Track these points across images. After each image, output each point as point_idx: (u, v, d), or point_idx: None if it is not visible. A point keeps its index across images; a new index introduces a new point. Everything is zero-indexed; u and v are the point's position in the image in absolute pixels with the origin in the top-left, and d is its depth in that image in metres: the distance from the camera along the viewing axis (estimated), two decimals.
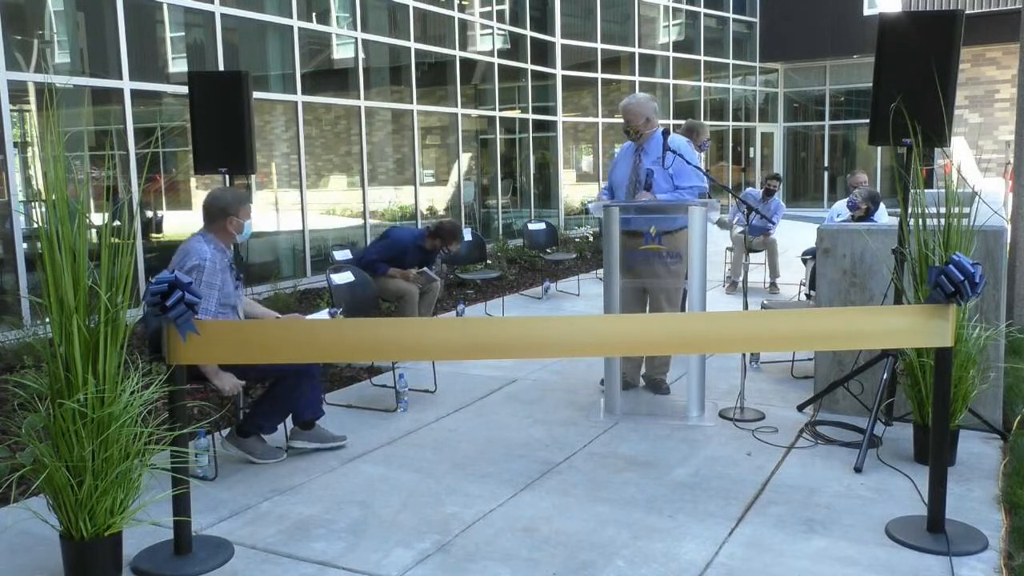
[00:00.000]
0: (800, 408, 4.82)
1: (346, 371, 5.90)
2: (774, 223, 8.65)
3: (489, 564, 3.10)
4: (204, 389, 4.05)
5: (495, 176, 13.37)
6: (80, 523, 2.83)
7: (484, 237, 10.74)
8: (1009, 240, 5.51)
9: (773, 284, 9.09)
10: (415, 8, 11.06)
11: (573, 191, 15.21)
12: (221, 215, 3.99)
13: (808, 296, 6.67)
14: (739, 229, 9.17)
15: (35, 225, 6.48)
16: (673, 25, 17.76)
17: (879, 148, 17.36)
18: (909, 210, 4.06)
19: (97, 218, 6.95)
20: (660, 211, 4.94)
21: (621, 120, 5.17)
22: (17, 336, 6.10)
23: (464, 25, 12.21)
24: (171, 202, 8.72)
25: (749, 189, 8.44)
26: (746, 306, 5.05)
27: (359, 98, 10.25)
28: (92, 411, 2.78)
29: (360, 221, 10.40)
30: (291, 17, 9.26)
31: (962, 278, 2.98)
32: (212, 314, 3.81)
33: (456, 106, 12.06)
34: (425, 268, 6.63)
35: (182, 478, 3.04)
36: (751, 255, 8.46)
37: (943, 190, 3.90)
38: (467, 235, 8.58)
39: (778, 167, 21.17)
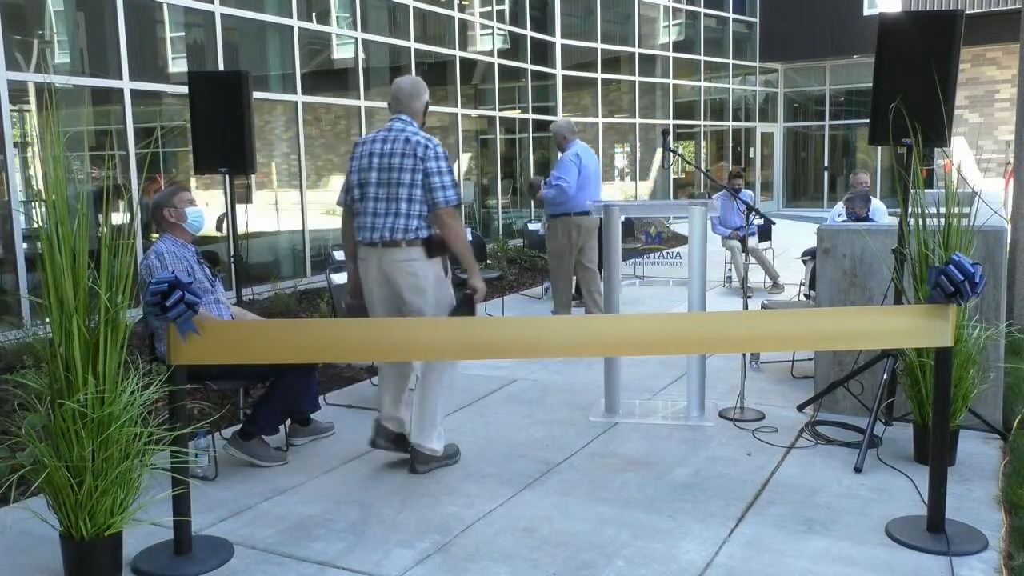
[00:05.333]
0: (800, 408, 4.82)
1: (346, 371, 5.90)
2: (771, 221, 8.63)
3: (489, 564, 3.10)
4: (204, 389, 4.05)
5: (495, 176, 13.37)
6: (80, 523, 2.83)
7: (484, 237, 10.74)
8: (1009, 240, 5.51)
9: (775, 284, 9.07)
10: (415, 8, 11.06)
11: None
12: (157, 212, 4.08)
13: (808, 296, 6.67)
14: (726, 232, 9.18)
15: (35, 225, 6.48)
16: (673, 25, 17.76)
17: (879, 148, 17.35)
18: (909, 210, 4.06)
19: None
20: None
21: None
22: (17, 336, 6.10)
23: (464, 25, 12.21)
24: None
25: (720, 194, 8.37)
26: (746, 306, 5.05)
27: (359, 98, 10.25)
28: (92, 411, 2.78)
29: None
30: (291, 17, 9.26)
31: (962, 278, 2.98)
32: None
33: (456, 106, 12.06)
34: None
35: (182, 478, 3.04)
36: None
37: (943, 190, 3.90)
38: (467, 235, 8.58)
39: (778, 167, 21.18)
